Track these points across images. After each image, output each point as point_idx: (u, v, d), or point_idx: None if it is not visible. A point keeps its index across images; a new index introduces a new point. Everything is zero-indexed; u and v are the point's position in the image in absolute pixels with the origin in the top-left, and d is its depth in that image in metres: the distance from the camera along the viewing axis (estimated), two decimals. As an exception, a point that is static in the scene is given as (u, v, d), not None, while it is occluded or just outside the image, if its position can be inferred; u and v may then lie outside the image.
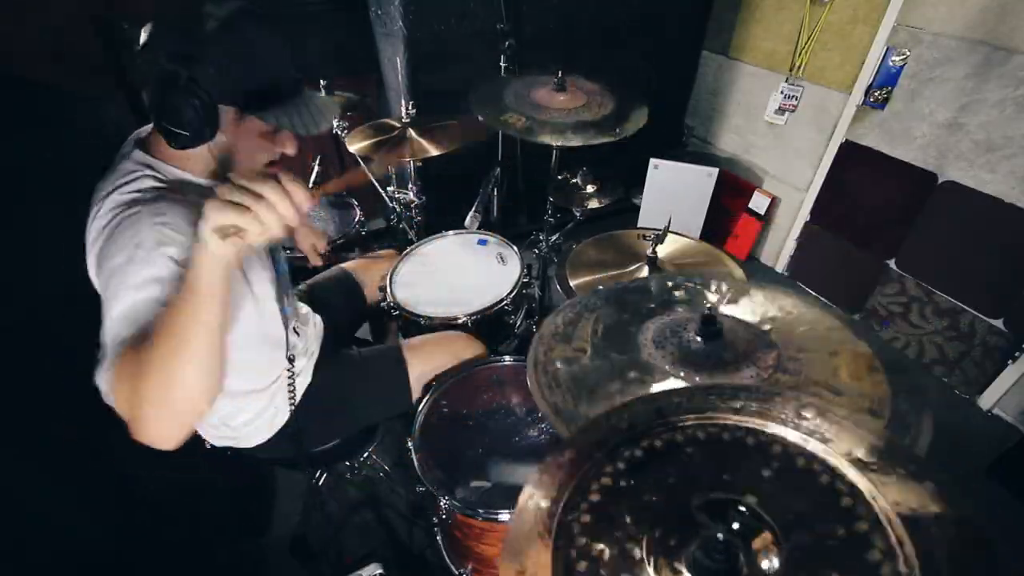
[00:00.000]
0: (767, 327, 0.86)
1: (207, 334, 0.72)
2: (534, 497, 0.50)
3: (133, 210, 0.81)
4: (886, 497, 0.45)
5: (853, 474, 0.47)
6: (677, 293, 0.98)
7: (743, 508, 0.46)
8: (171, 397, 0.72)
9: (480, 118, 1.61)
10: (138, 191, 0.85)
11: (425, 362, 1.35)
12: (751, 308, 0.91)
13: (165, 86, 0.78)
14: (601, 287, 1.02)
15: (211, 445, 1.20)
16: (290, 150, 0.94)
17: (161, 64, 0.78)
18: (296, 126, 0.85)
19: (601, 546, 0.45)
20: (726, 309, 0.92)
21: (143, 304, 0.76)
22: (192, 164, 0.92)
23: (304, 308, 1.33)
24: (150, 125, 0.93)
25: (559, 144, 1.53)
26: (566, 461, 0.53)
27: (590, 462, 0.52)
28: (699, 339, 0.80)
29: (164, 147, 0.89)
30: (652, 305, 0.95)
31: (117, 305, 0.76)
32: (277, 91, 0.85)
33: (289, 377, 1.15)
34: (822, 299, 2.69)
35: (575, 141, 1.49)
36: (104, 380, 0.76)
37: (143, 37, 0.80)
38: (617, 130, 1.52)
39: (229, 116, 0.84)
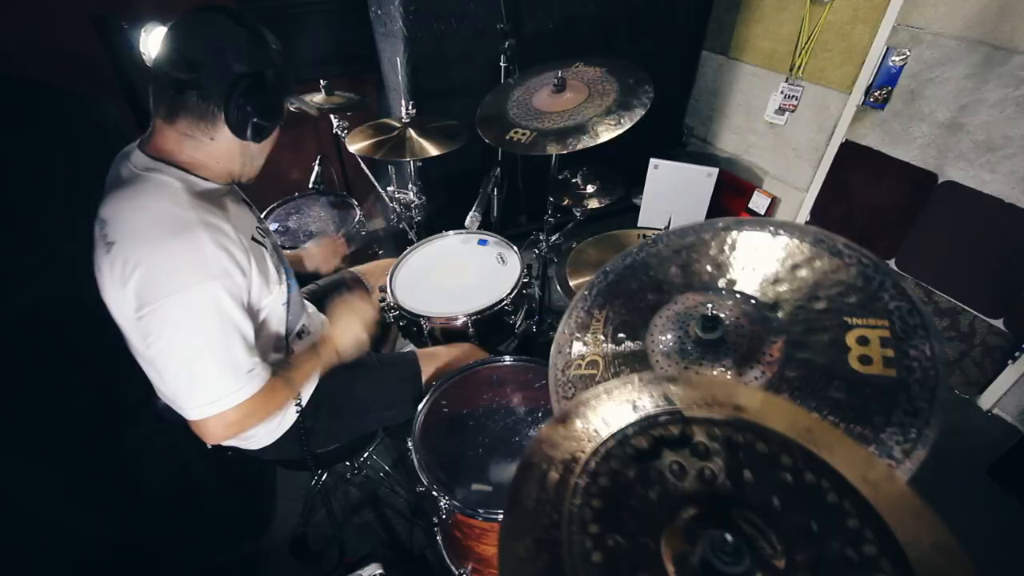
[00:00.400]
0: (775, 299, 0.80)
1: None
2: (540, 469, 0.48)
3: (188, 228, 0.86)
4: (893, 523, 0.44)
5: (862, 495, 0.46)
6: (680, 265, 0.92)
7: (749, 523, 0.46)
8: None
9: (487, 140, 1.62)
10: (180, 204, 0.88)
11: (431, 369, 1.36)
12: (763, 272, 0.84)
13: (257, 87, 0.89)
14: (604, 272, 0.98)
15: (213, 444, 1.20)
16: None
17: (240, 69, 0.87)
18: (309, 107, 1.08)
19: (613, 537, 0.44)
20: (734, 276, 0.86)
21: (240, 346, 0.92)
22: (213, 168, 0.95)
23: (311, 308, 1.33)
24: (144, 134, 0.95)
25: (565, 152, 1.53)
26: (572, 435, 0.51)
27: (598, 442, 0.51)
28: (701, 343, 0.78)
29: (180, 153, 0.92)
30: (652, 294, 0.91)
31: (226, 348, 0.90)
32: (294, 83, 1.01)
33: None
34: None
35: (581, 145, 1.49)
36: (236, 406, 0.92)
37: (202, 48, 0.86)
38: (623, 120, 1.50)
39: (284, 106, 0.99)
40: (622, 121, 1.49)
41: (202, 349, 0.86)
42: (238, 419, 0.93)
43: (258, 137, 0.94)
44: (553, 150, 1.50)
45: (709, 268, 0.89)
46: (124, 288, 0.84)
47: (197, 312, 0.85)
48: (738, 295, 0.84)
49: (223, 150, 0.93)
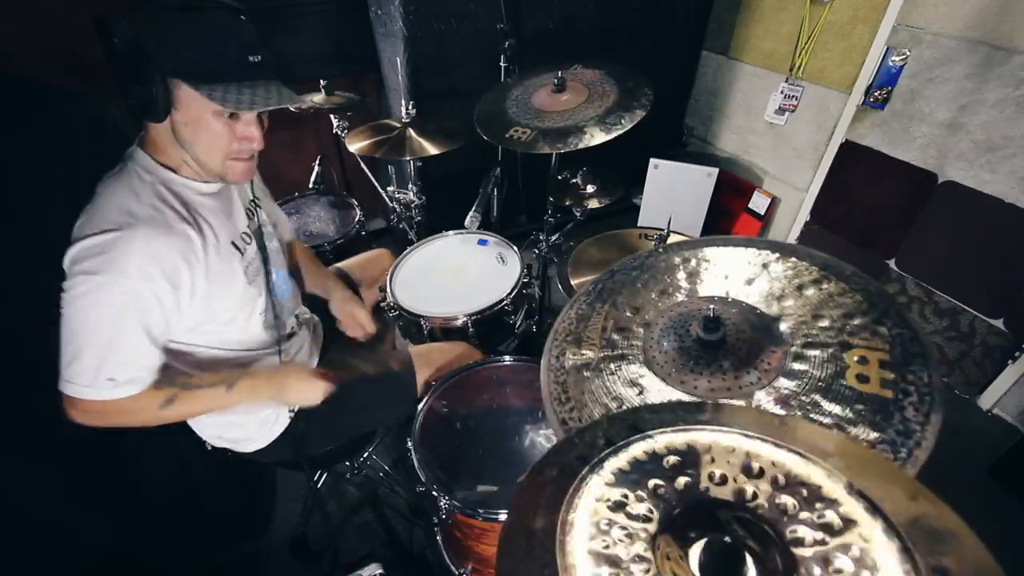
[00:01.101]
0: (779, 313, 0.82)
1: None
2: (523, 520, 0.49)
3: (128, 227, 0.85)
4: (866, 512, 0.44)
5: (836, 490, 0.47)
6: (687, 272, 0.94)
7: (741, 514, 0.46)
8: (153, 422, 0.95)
9: (486, 138, 1.62)
10: (138, 195, 0.89)
11: (430, 370, 1.35)
12: (768, 287, 0.86)
13: (119, 62, 0.81)
14: (613, 268, 0.99)
15: (211, 447, 1.20)
16: (255, 143, 0.94)
17: (117, 43, 0.80)
18: (228, 101, 0.83)
19: (606, 569, 0.44)
20: (740, 291, 0.87)
21: (141, 353, 0.90)
22: (173, 159, 0.93)
23: (307, 313, 1.32)
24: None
25: (565, 151, 1.52)
26: (551, 479, 0.52)
27: (576, 479, 0.51)
28: (701, 343, 0.79)
29: (154, 143, 0.92)
30: (660, 290, 0.92)
31: (119, 342, 0.87)
32: (223, 68, 0.85)
33: None
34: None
35: (581, 144, 1.49)
36: (90, 393, 0.87)
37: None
38: (623, 120, 1.51)
39: (180, 92, 0.84)
40: (622, 122, 1.50)
41: (91, 334, 0.84)
42: (97, 411, 0.88)
43: (133, 117, 0.87)
44: (554, 149, 1.50)
45: (715, 277, 0.91)
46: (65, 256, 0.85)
47: (101, 301, 0.83)
48: (743, 304, 0.85)
49: (160, 138, 0.91)
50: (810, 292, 0.82)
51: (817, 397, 0.70)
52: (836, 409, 0.68)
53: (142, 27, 0.80)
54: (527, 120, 1.60)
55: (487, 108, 1.71)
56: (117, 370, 0.87)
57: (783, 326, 0.80)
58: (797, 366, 0.75)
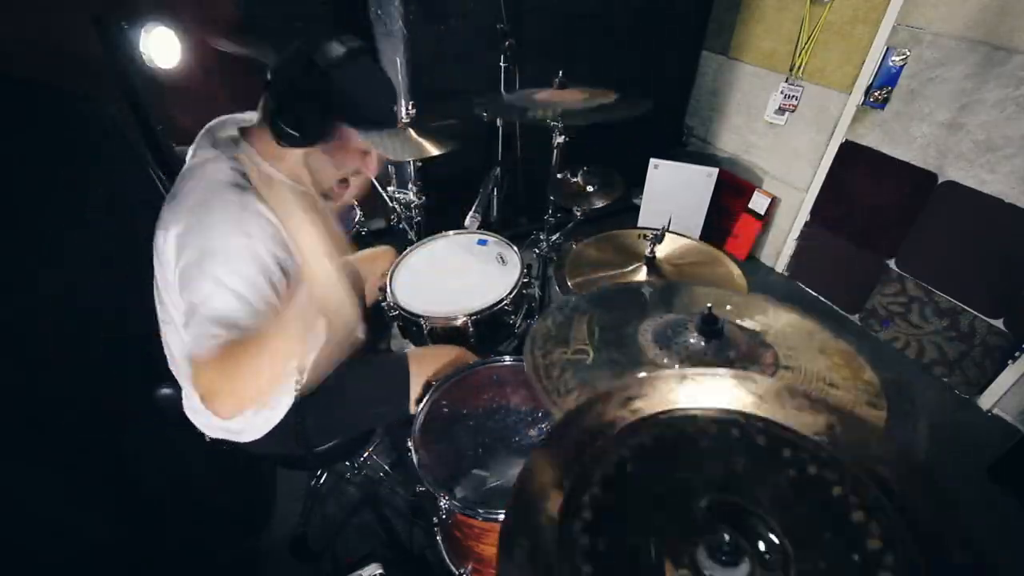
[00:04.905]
0: (757, 327, 0.89)
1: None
2: (527, 495, 0.48)
3: (231, 195, 0.88)
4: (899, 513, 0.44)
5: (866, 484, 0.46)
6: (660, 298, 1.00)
7: (752, 515, 0.46)
8: (262, 392, 0.81)
9: (485, 113, 1.68)
10: (237, 179, 0.91)
11: (429, 370, 1.35)
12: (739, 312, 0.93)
13: (296, 94, 0.87)
14: (593, 290, 1.03)
15: (210, 439, 1.20)
16: (372, 172, 1.07)
17: (297, 76, 0.88)
18: (385, 149, 0.98)
19: (605, 547, 0.44)
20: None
21: (242, 310, 0.83)
22: (283, 164, 0.98)
23: None
24: (250, 116, 1.00)
25: (561, 122, 1.55)
26: (559, 458, 0.51)
27: (585, 456, 0.50)
28: (701, 339, 0.81)
29: (264, 143, 0.95)
30: (636, 309, 0.96)
31: (217, 300, 0.82)
32: (381, 120, 0.97)
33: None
34: (819, 297, 2.69)
35: (580, 120, 1.53)
36: (196, 369, 0.80)
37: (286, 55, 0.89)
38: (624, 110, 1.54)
39: (338, 130, 0.93)
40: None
41: None
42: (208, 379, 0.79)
43: (282, 140, 0.93)
44: (550, 113, 1.56)
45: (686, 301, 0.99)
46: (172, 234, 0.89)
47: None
48: (727, 320, 0.91)
49: (277, 149, 0.97)
50: (769, 319, 0.92)
51: (819, 385, 0.75)
52: (838, 388, 0.73)
53: (327, 75, 0.87)
54: (529, 108, 1.66)
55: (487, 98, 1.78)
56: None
57: (766, 336, 0.86)
58: (791, 362, 0.79)
